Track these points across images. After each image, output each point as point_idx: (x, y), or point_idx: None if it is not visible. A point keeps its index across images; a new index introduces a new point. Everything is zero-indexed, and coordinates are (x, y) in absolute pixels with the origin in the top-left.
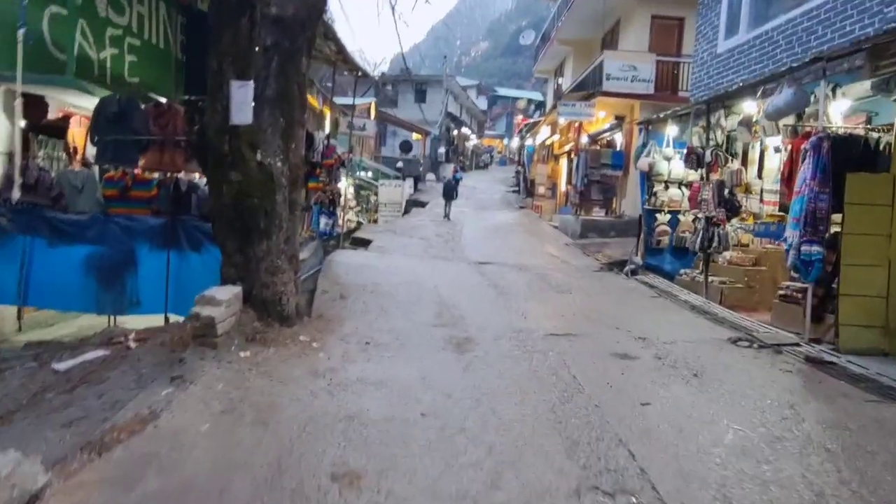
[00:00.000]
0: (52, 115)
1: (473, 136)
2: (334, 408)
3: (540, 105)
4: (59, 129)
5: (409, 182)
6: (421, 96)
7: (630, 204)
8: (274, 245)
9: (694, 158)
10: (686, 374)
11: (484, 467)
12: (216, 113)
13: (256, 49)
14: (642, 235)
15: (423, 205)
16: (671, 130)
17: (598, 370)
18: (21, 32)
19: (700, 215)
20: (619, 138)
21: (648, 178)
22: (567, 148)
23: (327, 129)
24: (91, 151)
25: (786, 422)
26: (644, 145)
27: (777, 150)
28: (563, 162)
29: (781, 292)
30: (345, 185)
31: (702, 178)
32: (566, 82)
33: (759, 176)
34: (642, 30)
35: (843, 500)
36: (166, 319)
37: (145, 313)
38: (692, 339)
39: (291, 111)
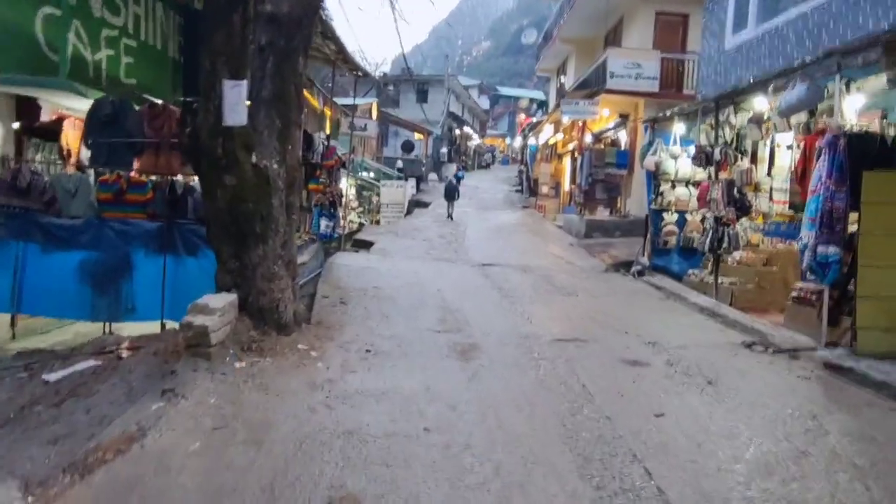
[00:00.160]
0: (46, 117)
1: (476, 136)
2: (332, 423)
3: (542, 104)
4: (52, 131)
5: (412, 182)
6: (423, 96)
7: (635, 203)
8: (270, 250)
9: (703, 157)
10: (700, 382)
11: (491, 489)
12: (209, 114)
13: (251, 48)
14: (649, 236)
15: (425, 205)
16: (678, 128)
17: (608, 378)
18: None
19: (709, 215)
20: (623, 137)
21: (655, 177)
22: (570, 147)
23: (328, 130)
24: (85, 154)
25: (809, 434)
26: (650, 144)
27: (789, 147)
28: (567, 161)
29: (794, 294)
30: (346, 186)
31: (709, 177)
32: (569, 81)
33: (769, 174)
34: (646, 27)
35: None
36: (163, 326)
37: (141, 320)
38: (704, 344)
39: (288, 112)
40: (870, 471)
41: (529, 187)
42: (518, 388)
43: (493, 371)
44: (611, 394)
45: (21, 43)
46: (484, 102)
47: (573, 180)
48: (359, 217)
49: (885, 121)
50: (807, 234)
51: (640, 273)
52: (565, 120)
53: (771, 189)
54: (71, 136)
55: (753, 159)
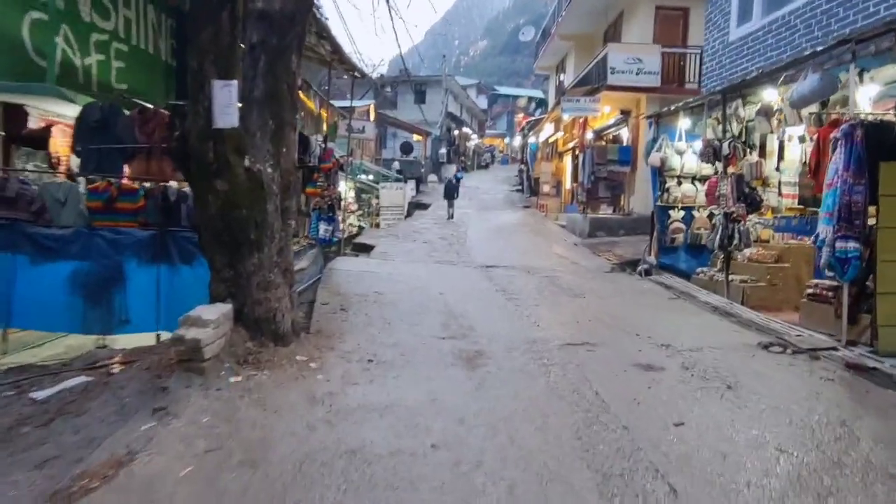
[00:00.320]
0: (34, 124)
1: (474, 136)
2: (333, 441)
3: (541, 103)
4: (41, 139)
5: (411, 184)
6: (420, 97)
7: (639, 201)
8: (266, 258)
9: (710, 151)
10: (719, 387)
11: None
12: (198, 116)
13: (242, 46)
14: (655, 233)
15: (425, 207)
16: (683, 123)
17: (622, 384)
18: None
19: (718, 211)
20: (625, 133)
21: (660, 173)
22: (571, 145)
23: (325, 132)
24: (75, 162)
25: (840, 442)
26: (654, 140)
27: (802, 139)
28: (568, 159)
29: (810, 291)
30: (345, 189)
31: (716, 172)
32: (568, 78)
33: (777, 168)
34: (646, 21)
35: None
36: (158, 338)
37: (136, 332)
38: (719, 346)
39: (281, 113)
40: None
41: (530, 186)
42: (528, 397)
43: (501, 379)
44: (626, 401)
45: (7, 48)
46: (482, 102)
47: (575, 178)
48: (358, 220)
49: None
50: (824, 230)
51: (647, 272)
52: (566, 117)
53: (779, 183)
54: (60, 143)
55: (762, 153)
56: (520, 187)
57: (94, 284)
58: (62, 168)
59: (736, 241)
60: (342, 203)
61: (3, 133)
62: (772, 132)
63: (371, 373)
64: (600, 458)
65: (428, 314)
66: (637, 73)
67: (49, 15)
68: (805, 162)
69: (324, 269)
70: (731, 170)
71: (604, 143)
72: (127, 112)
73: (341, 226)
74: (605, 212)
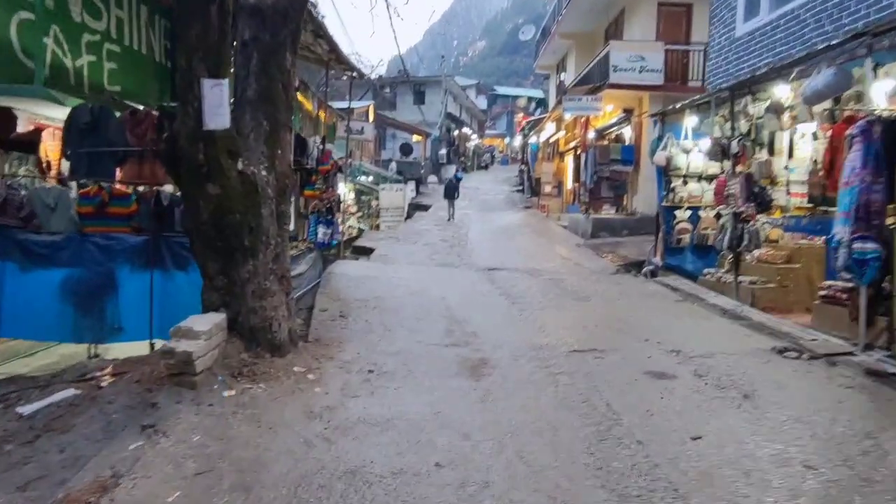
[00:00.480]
0: (22, 128)
1: (474, 136)
2: (332, 460)
3: (541, 102)
4: (30, 143)
5: (411, 185)
6: (420, 98)
7: (643, 201)
8: (261, 264)
9: (718, 149)
10: (736, 397)
11: None
12: (188, 117)
13: (233, 44)
14: (661, 234)
15: (425, 208)
16: (689, 121)
17: (633, 394)
18: None
19: (726, 211)
20: (628, 132)
21: (665, 172)
22: (573, 144)
23: (323, 134)
24: (66, 166)
25: (868, 457)
26: (659, 138)
27: (815, 136)
28: (569, 159)
29: (823, 293)
30: (344, 191)
31: (723, 171)
32: (569, 77)
33: (786, 166)
34: (648, 18)
35: None
36: (152, 346)
37: (129, 340)
38: (732, 351)
39: (276, 113)
40: None
41: (531, 187)
42: (536, 408)
43: (508, 390)
44: (639, 412)
45: None
46: (482, 102)
47: (577, 178)
48: (358, 222)
49: None
50: (841, 230)
51: (653, 273)
52: (567, 116)
53: (788, 181)
54: (50, 147)
55: (771, 151)
56: (520, 188)
57: (86, 291)
58: (52, 172)
59: (745, 242)
60: (341, 205)
61: None
62: (781, 129)
63: (371, 384)
64: (615, 477)
65: (430, 320)
66: (640, 71)
67: (37, 15)
68: (815, 160)
69: (323, 273)
70: (740, 168)
71: (606, 142)
72: (118, 114)
73: (340, 228)
74: (608, 212)
